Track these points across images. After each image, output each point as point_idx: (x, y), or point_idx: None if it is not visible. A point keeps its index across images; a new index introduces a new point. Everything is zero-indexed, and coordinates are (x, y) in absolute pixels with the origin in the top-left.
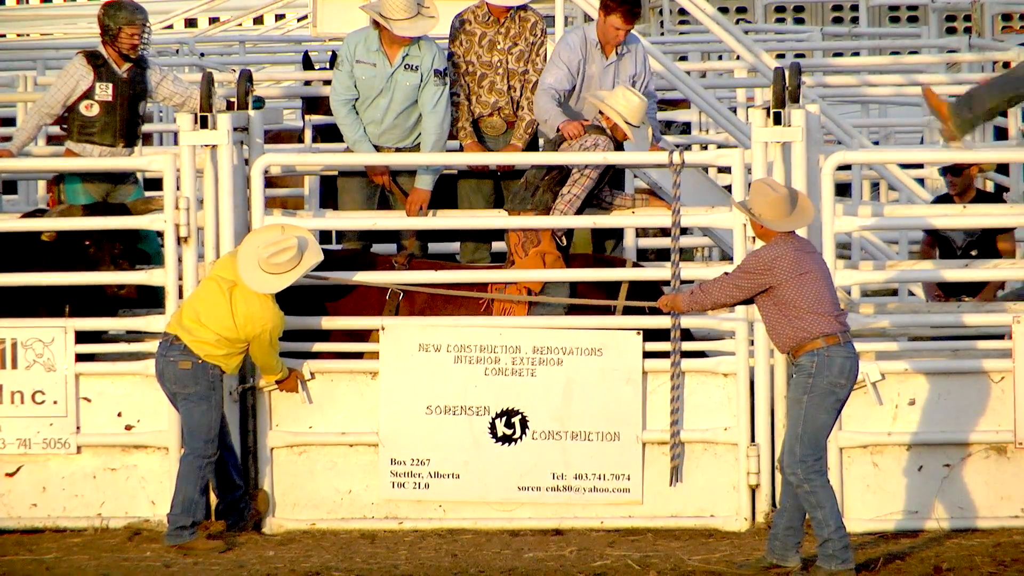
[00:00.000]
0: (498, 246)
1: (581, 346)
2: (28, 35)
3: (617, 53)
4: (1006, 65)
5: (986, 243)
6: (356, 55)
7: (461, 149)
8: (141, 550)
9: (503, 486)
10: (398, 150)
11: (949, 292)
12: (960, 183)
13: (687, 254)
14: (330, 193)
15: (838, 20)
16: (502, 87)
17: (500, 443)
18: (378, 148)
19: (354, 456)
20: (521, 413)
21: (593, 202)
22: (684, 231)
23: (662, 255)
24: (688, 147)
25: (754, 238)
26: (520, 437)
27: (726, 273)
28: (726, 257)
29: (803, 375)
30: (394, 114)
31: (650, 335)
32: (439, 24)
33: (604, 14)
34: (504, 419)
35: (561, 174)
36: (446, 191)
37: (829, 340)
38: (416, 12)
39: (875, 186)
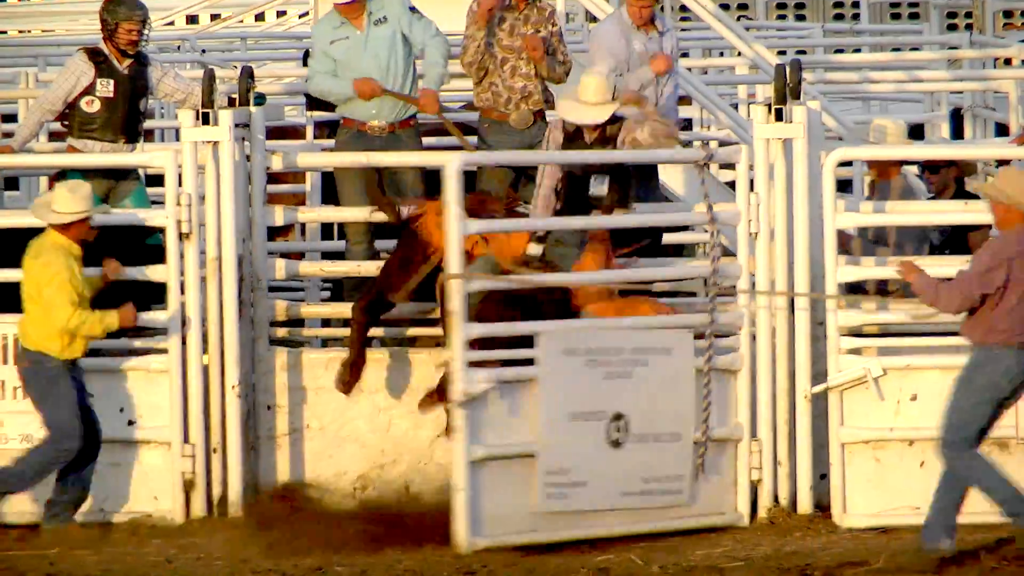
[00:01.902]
0: None
1: (660, 346)
2: (30, 31)
3: (659, 31)
4: (1007, 61)
5: (959, 240)
6: (328, 37)
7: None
8: (143, 544)
9: (614, 492)
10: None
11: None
12: (939, 181)
13: (689, 250)
14: (332, 189)
15: (839, 16)
16: (527, 71)
17: (613, 448)
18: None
19: None
20: (625, 416)
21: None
22: (687, 227)
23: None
24: (689, 143)
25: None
26: (625, 441)
27: (961, 271)
28: (728, 253)
29: (971, 363)
30: (383, 69)
31: None
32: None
33: None
34: (616, 423)
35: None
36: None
37: (1009, 340)
38: None
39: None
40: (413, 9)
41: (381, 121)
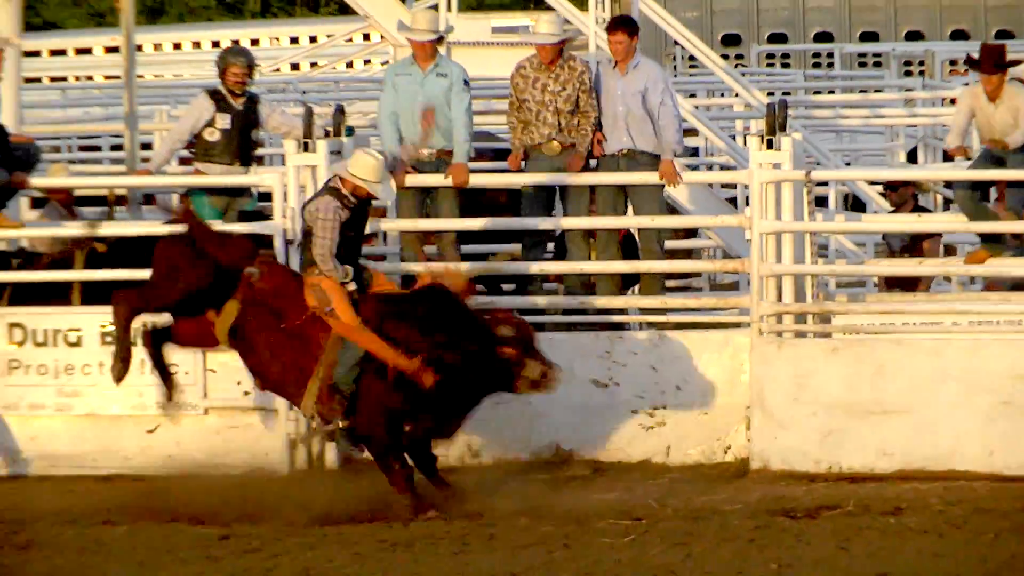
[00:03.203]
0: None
1: None
2: (163, 76)
3: (627, 69)
4: (953, 101)
5: (915, 245)
6: (396, 72)
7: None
8: (257, 488)
9: None
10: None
11: (891, 284)
12: (897, 197)
13: (696, 253)
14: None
15: (817, 65)
16: (553, 121)
17: None
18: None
19: None
20: None
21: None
22: (694, 233)
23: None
24: (696, 167)
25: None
26: None
27: None
28: (727, 255)
29: None
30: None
31: None
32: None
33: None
34: None
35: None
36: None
37: None
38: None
39: (846, 198)
40: (466, 83)
41: (430, 150)
